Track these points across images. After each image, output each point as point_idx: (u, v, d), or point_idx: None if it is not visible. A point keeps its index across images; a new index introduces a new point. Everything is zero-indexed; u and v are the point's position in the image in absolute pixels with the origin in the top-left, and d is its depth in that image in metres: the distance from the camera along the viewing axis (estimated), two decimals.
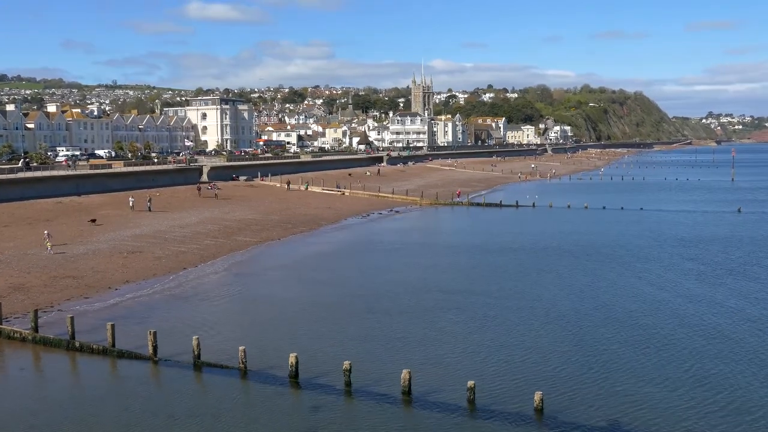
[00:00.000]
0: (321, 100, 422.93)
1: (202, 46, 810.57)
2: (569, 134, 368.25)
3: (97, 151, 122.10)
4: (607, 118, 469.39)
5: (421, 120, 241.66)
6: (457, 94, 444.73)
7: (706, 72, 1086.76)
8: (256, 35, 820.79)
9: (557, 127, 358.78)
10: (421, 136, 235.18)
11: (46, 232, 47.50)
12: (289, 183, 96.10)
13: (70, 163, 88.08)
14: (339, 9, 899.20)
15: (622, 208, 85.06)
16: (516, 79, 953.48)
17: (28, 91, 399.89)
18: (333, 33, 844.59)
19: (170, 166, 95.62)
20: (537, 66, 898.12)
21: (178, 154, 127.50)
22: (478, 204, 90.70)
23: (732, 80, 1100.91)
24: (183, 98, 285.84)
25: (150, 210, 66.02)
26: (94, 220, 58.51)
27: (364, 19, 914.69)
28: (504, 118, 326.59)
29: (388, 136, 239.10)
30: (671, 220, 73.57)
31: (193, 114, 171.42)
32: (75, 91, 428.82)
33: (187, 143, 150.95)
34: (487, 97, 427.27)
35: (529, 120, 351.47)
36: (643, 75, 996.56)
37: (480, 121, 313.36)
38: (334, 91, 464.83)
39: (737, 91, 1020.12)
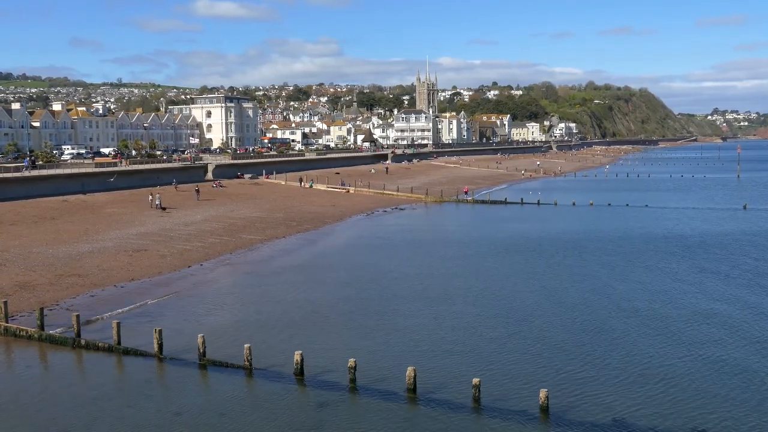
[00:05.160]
0: (326, 98, 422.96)
1: (210, 43, 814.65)
2: (574, 131, 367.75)
3: (102, 150, 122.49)
4: (612, 115, 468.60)
5: (426, 117, 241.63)
6: (461, 91, 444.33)
7: (714, 68, 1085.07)
8: (263, 33, 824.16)
9: (562, 125, 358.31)
10: (426, 133, 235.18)
11: None
12: (301, 180, 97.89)
13: (123, 159, 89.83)
14: (347, 6, 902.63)
15: (627, 205, 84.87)
16: (523, 77, 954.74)
17: (33, 90, 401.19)
18: (341, 30, 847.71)
19: (175, 164, 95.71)
20: (545, 63, 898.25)
21: (183, 152, 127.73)
22: (483, 201, 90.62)
23: (741, 77, 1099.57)
24: (188, 96, 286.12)
25: (158, 207, 66.42)
26: (164, 208, 65.63)
27: (372, 17, 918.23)
28: (509, 116, 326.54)
29: (392, 134, 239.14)
30: (676, 218, 73.34)
31: (198, 112, 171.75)
32: (80, 89, 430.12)
33: (192, 141, 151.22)
34: (491, 94, 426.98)
35: (533, 117, 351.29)
36: (650, 72, 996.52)
37: (485, 118, 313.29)
38: (339, 89, 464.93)
39: (745, 87, 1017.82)
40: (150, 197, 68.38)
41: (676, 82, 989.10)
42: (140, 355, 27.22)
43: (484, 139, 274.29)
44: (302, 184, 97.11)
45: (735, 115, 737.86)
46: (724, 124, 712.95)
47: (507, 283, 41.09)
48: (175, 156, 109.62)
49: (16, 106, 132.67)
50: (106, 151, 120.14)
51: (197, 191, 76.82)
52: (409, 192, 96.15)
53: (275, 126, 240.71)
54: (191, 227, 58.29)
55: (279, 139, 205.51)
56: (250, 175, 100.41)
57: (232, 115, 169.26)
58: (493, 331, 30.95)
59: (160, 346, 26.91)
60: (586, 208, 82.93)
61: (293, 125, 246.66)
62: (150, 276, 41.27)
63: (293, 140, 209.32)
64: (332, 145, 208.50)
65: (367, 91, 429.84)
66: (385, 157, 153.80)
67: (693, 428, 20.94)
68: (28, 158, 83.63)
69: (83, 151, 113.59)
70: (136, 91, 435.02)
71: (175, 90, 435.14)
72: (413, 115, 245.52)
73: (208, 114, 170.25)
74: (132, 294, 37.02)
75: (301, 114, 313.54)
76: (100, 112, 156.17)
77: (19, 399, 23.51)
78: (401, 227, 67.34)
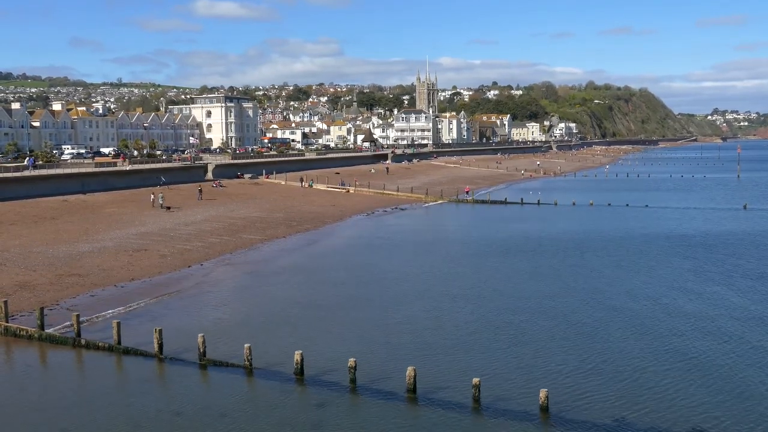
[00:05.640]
0: (326, 98, 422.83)
1: (210, 43, 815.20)
2: (574, 131, 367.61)
3: (102, 149, 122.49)
4: (612, 115, 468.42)
5: (426, 117, 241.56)
6: (461, 91, 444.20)
7: (714, 68, 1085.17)
8: (264, 33, 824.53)
9: (562, 125, 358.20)
10: (426, 133, 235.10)
11: None
12: (302, 180, 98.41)
13: (126, 159, 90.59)
14: (347, 6, 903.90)
15: (627, 205, 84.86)
16: (524, 77, 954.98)
17: (33, 90, 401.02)
18: (341, 30, 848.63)
19: (175, 164, 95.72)
20: (545, 63, 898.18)
21: (183, 152, 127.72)
22: (483, 201, 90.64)
23: (741, 76, 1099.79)
24: (188, 96, 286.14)
25: (162, 206, 66.98)
26: (169, 208, 66.68)
27: (372, 17, 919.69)
28: (509, 116, 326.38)
29: (392, 134, 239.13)
30: (677, 218, 73.36)
31: (198, 112, 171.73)
32: (80, 89, 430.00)
33: (192, 141, 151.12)
34: (491, 94, 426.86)
35: (533, 117, 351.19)
36: (651, 71, 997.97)
37: (485, 118, 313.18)
38: (339, 89, 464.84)
39: (746, 87, 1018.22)
40: (152, 196, 68.74)
41: (676, 82, 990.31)
42: (140, 354, 27.22)
43: (484, 139, 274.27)
44: (303, 184, 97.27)
45: (735, 115, 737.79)
46: (724, 124, 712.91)
47: (508, 283, 41.09)
48: (175, 156, 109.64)
49: (16, 105, 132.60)
50: (106, 150, 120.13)
51: (200, 191, 77.38)
52: (410, 192, 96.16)
53: (275, 126, 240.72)
54: (191, 227, 58.29)
55: (279, 139, 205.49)
56: (250, 175, 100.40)
57: (232, 114, 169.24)
58: (493, 331, 30.95)
59: (161, 345, 26.91)
60: (587, 208, 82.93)
61: (293, 125, 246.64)
62: (150, 276, 41.28)
63: (293, 140, 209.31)
64: (332, 145, 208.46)
65: (367, 91, 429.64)
66: (385, 157, 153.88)
67: (694, 428, 20.95)
68: (33, 158, 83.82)
69: (83, 150, 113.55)
70: (136, 90, 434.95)
71: (175, 90, 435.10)
72: (413, 115, 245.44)
73: (208, 114, 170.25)
74: (132, 294, 37.03)
75: (301, 114, 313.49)
76: (100, 111, 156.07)
77: (19, 398, 23.51)
78: (401, 227, 67.35)
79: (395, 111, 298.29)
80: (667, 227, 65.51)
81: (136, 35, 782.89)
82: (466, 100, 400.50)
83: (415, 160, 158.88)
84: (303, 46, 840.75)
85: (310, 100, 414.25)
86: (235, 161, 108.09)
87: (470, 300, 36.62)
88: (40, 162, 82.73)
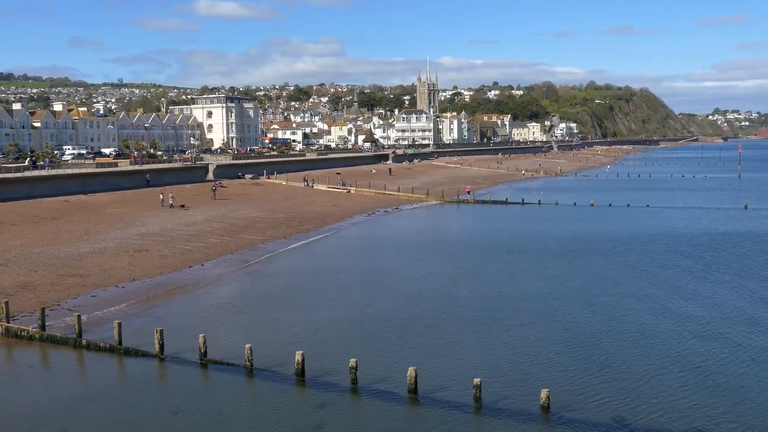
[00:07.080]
0: (326, 98, 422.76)
1: (211, 43, 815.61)
2: (575, 131, 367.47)
3: (102, 150, 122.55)
4: (612, 115, 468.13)
5: (427, 117, 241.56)
6: (462, 91, 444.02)
7: (715, 68, 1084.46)
8: (265, 32, 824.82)
9: (563, 125, 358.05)
10: (427, 133, 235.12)
11: None
12: (305, 180, 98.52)
13: (136, 159, 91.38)
14: (348, 6, 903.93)
15: (628, 205, 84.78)
16: (525, 76, 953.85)
17: (34, 90, 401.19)
18: (342, 30, 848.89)
19: (176, 165, 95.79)
20: (546, 63, 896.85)
21: (183, 152, 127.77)
22: (484, 201, 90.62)
23: (742, 76, 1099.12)
24: (189, 96, 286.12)
25: (173, 206, 67.66)
26: (182, 205, 68.21)
27: (373, 16, 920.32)
28: (509, 116, 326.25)
29: (393, 134, 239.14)
30: (678, 217, 73.32)
31: (198, 112, 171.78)
32: (81, 89, 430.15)
33: (193, 141, 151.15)
34: (492, 94, 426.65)
35: (534, 117, 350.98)
36: (652, 71, 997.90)
37: (485, 118, 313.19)
38: (340, 89, 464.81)
39: (747, 87, 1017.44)
40: (161, 196, 69.19)
41: (677, 81, 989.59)
42: (141, 355, 27.23)
43: (485, 139, 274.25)
44: (306, 184, 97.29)
45: (736, 115, 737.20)
46: (725, 124, 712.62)
47: (509, 283, 41.06)
48: (176, 156, 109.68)
49: (17, 106, 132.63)
50: (107, 151, 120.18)
51: (214, 190, 78.67)
52: (410, 192, 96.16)
53: (276, 126, 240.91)
54: (192, 227, 58.31)
55: (280, 139, 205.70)
56: (251, 176, 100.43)
57: (233, 115, 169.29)
58: (494, 330, 30.93)
59: (161, 346, 26.93)
60: (587, 208, 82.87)
61: (294, 125, 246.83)
62: (151, 276, 41.28)
63: (294, 140, 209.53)
64: (333, 145, 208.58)
65: (368, 91, 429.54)
66: (385, 157, 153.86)
67: (694, 429, 20.94)
68: (48, 159, 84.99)
69: (84, 151, 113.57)
70: (137, 91, 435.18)
71: (176, 90, 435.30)
72: (414, 116, 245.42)
73: (209, 114, 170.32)
74: (133, 294, 37.04)
75: (301, 114, 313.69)
76: (101, 112, 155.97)
77: (21, 399, 23.52)
78: (402, 227, 67.35)
79: (396, 111, 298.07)
80: (669, 227, 65.42)
81: (137, 35, 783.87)
82: (467, 100, 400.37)
83: (415, 161, 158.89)
84: (304, 45, 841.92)
85: (311, 100, 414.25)
86: (236, 161, 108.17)
87: (471, 300, 36.59)
88: (41, 162, 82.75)
